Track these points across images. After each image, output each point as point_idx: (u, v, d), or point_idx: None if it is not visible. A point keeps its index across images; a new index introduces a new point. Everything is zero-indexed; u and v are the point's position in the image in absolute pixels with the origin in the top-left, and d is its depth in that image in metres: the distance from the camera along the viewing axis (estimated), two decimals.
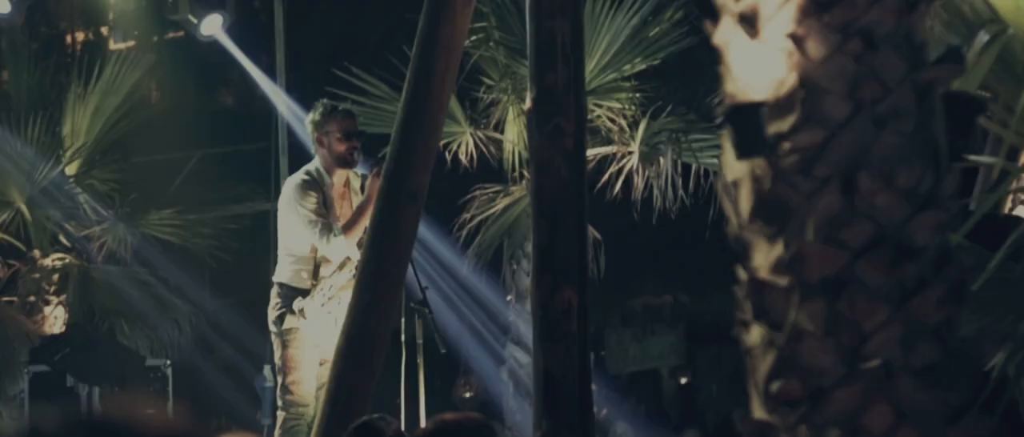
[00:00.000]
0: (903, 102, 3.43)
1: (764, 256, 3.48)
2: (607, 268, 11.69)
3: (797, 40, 3.43)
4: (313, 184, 8.65)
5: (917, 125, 3.43)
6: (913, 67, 3.45)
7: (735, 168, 3.53)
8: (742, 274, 3.54)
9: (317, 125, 8.77)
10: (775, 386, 3.44)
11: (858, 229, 3.40)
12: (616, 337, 16.07)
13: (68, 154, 12.80)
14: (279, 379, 8.78)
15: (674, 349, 16.06)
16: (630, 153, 11.38)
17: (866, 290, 3.39)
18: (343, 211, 8.75)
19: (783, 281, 3.43)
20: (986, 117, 4.13)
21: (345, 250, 8.49)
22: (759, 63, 3.49)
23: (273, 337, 8.79)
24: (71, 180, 12.84)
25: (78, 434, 1.44)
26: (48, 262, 12.80)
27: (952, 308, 3.45)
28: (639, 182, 11.32)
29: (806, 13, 3.44)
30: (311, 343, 8.60)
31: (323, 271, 8.64)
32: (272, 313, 8.73)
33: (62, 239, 12.92)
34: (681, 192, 11.20)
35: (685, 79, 11.20)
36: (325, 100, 9.08)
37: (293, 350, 8.61)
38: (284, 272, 8.75)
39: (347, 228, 8.51)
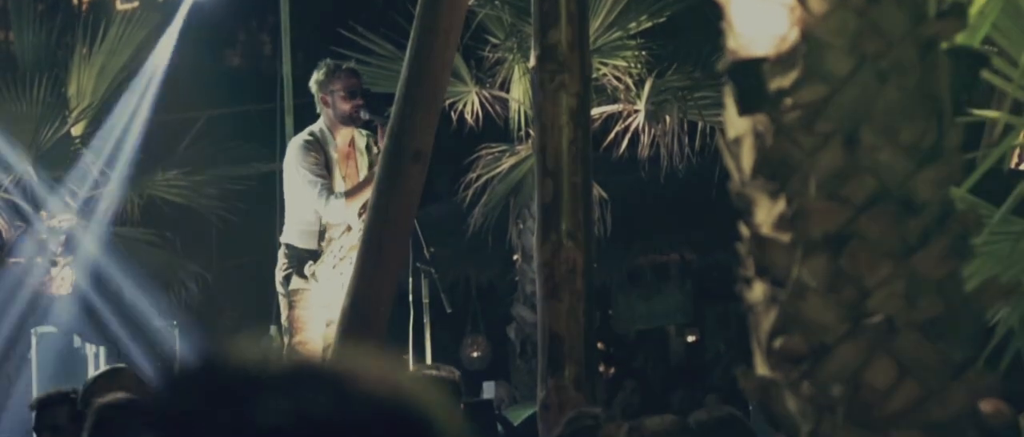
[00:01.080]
0: (906, 57, 3.41)
1: (766, 212, 3.47)
2: (613, 226, 11.70)
3: None
4: (315, 145, 8.63)
5: (920, 80, 3.41)
6: (916, 21, 3.43)
7: (737, 124, 3.51)
8: (745, 231, 3.53)
9: (321, 84, 8.74)
10: (778, 343, 3.43)
11: (860, 184, 3.38)
12: (623, 296, 16.09)
13: (74, 114, 12.80)
14: (286, 340, 8.79)
15: (681, 307, 16.09)
16: (636, 111, 11.38)
17: (869, 245, 3.38)
18: (348, 171, 8.75)
19: (785, 237, 3.42)
20: (990, 71, 4.11)
21: (344, 215, 8.48)
22: (761, 18, 3.47)
23: (280, 298, 8.79)
24: (77, 141, 12.85)
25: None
26: (55, 223, 12.83)
27: (955, 263, 3.44)
28: (645, 140, 11.32)
29: None
30: (319, 303, 8.60)
31: (331, 232, 8.64)
32: (279, 274, 8.73)
33: (69, 200, 12.95)
34: (687, 150, 11.20)
35: (691, 37, 11.19)
36: (329, 59, 9.06)
37: (300, 311, 8.62)
38: (291, 233, 8.75)
39: (349, 195, 8.50)
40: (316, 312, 8.62)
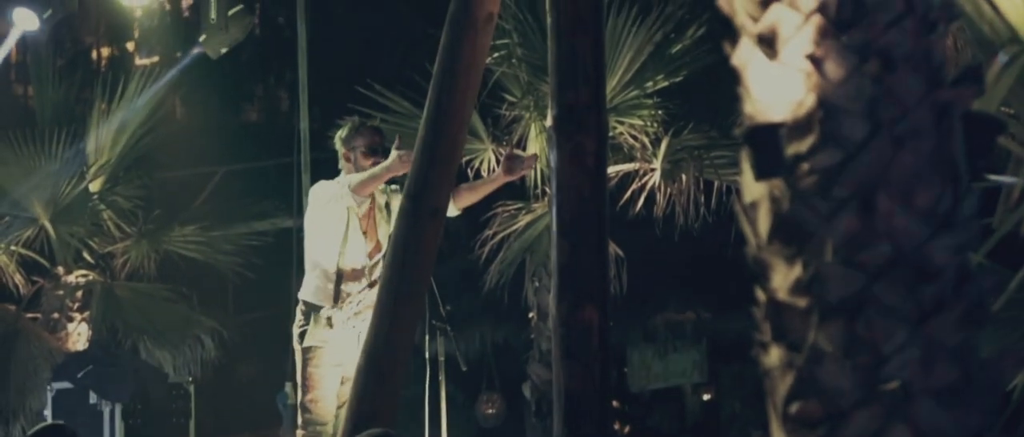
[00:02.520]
0: (921, 122, 3.42)
1: (783, 277, 3.47)
2: (629, 285, 11.67)
3: (816, 61, 3.43)
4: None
5: (936, 145, 3.43)
6: (932, 87, 3.45)
7: (754, 189, 3.53)
8: (761, 295, 3.53)
9: (344, 141, 8.84)
10: (794, 407, 3.43)
11: (877, 250, 3.39)
12: (639, 354, 16.05)
13: (92, 170, 12.83)
14: (300, 396, 8.79)
15: (697, 366, 16.04)
16: (652, 170, 11.37)
17: (885, 311, 3.38)
18: (368, 226, 8.77)
19: (802, 302, 3.43)
20: (1006, 137, 4.12)
21: (357, 199, 8.52)
22: (778, 84, 3.49)
23: (296, 354, 8.79)
24: (95, 197, 12.88)
25: None
26: (72, 279, 12.85)
27: (971, 329, 3.44)
28: (661, 199, 11.30)
29: (825, 34, 3.44)
30: (332, 361, 8.60)
31: (350, 286, 8.66)
32: (296, 330, 8.73)
33: (86, 256, 12.97)
34: (703, 209, 11.19)
35: (707, 96, 11.19)
36: (356, 117, 9.15)
37: (313, 369, 8.61)
38: (307, 289, 8.76)
39: (359, 184, 8.54)
40: (329, 370, 8.61)
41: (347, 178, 8.62)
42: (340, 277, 8.64)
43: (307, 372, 8.65)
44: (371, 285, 8.55)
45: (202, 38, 12.45)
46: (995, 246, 4.16)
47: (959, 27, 4.73)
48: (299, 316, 8.73)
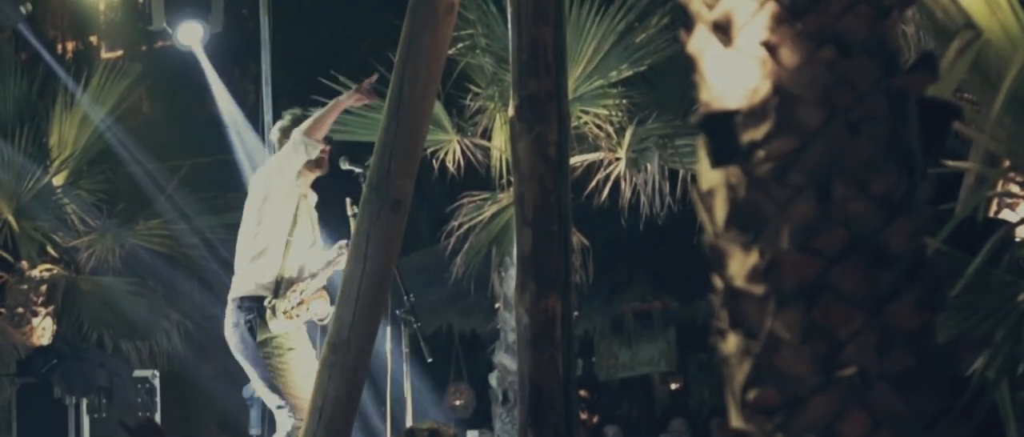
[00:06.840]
0: (877, 109, 3.42)
1: (739, 264, 3.47)
2: (596, 274, 11.69)
3: (771, 48, 3.43)
4: None
5: (891, 131, 3.43)
6: (886, 73, 3.45)
7: (710, 177, 3.52)
8: (718, 283, 3.53)
9: (284, 130, 8.90)
10: (751, 394, 3.43)
11: (833, 236, 3.39)
12: (606, 343, 16.07)
13: (56, 164, 12.78)
14: (280, 387, 8.75)
15: (664, 355, 16.07)
16: (617, 159, 11.38)
17: (841, 297, 3.38)
18: (299, 214, 8.81)
19: (758, 289, 3.42)
20: (961, 122, 4.13)
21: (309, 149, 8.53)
22: (733, 71, 3.48)
23: (244, 353, 8.69)
24: (59, 190, 12.83)
25: None
26: (36, 273, 12.80)
27: (927, 314, 3.44)
28: (626, 188, 11.31)
29: (779, 21, 3.44)
30: (287, 345, 8.65)
31: (293, 275, 8.67)
32: (239, 330, 8.65)
33: (50, 250, 12.92)
34: (668, 197, 11.20)
35: (671, 85, 11.20)
36: (297, 108, 9.23)
37: (275, 360, 8.63)
38: (245, 285, 8.73)
39: (310, 127, 8.58)
40: (288, 355, 8.63)
41: (294, 132, 8.65)
42: (284, 265, 8.65)
43: (271, 364, 8.64)
44: (313, 275, 8.59)
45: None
46: (955, 231, 4.17)
47: (915, 10, 4.74)
48: (235, 315, 8.67)
